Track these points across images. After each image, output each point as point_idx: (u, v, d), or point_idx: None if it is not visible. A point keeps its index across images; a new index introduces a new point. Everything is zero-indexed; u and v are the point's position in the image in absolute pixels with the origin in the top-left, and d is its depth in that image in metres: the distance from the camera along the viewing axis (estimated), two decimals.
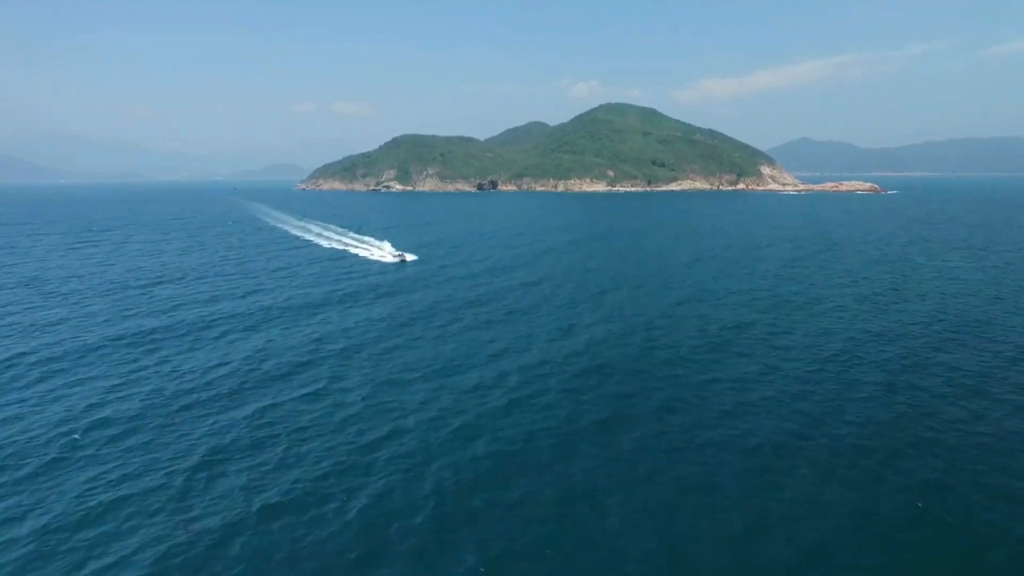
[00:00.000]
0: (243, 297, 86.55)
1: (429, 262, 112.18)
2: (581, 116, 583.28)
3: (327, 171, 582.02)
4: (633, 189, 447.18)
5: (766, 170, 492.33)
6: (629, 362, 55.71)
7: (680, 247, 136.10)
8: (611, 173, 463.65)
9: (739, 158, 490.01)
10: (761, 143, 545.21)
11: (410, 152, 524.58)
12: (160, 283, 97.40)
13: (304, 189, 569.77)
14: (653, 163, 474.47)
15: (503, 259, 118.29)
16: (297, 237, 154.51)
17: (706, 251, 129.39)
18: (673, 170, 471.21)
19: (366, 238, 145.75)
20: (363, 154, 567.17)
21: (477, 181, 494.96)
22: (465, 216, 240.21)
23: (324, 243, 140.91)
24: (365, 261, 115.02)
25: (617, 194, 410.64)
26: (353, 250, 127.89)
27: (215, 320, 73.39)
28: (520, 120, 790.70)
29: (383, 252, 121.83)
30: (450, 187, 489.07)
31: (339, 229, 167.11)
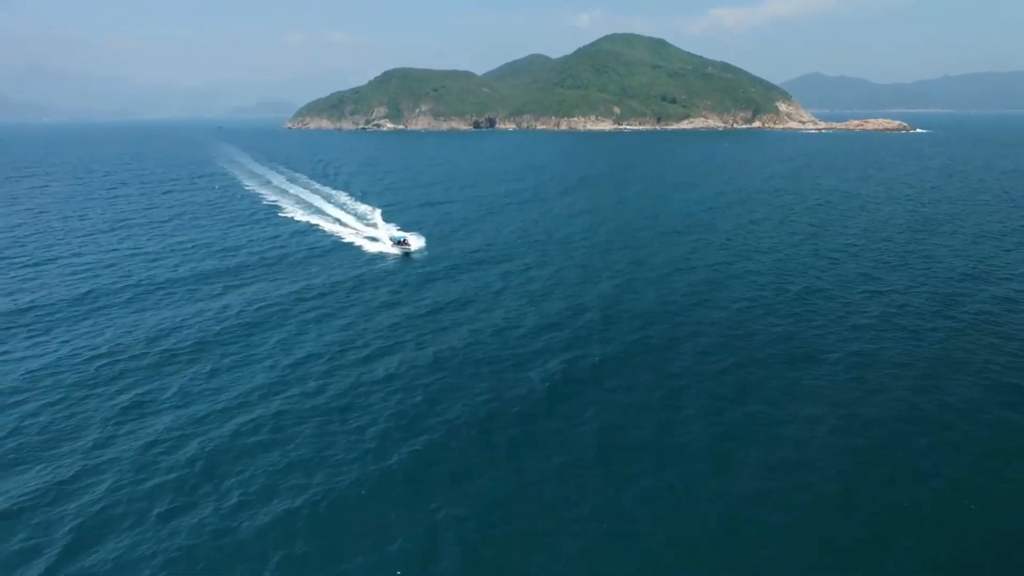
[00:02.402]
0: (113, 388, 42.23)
1: (441, 251, 77.87)
2: (585, 48, 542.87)
3: (314, 108, 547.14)
4: (641, 128, 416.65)
5: (783, 107, 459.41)
6: None
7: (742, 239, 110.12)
8: (618, 110, 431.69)
9: (755, 93, 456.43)
10: (771, 78, 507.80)
11: (402, 87, 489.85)
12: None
13: (290, 128, 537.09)
14: (663, 99, 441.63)
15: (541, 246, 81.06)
16: (268, 208, 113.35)
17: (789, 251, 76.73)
18: (685, 106, 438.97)
19: (357, 206, 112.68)
20: (352, 90, 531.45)
21: (473, 119, 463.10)
22: (466, 168, 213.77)
23: (301, 215, 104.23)
24: (353, 255, 77.42)
25: (624, 134, 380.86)
26: (336, 231, 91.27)
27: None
28: (519, 53, 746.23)
29: (378, 234, 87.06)
30: (444, 125, 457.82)
31: (322, 190, 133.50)
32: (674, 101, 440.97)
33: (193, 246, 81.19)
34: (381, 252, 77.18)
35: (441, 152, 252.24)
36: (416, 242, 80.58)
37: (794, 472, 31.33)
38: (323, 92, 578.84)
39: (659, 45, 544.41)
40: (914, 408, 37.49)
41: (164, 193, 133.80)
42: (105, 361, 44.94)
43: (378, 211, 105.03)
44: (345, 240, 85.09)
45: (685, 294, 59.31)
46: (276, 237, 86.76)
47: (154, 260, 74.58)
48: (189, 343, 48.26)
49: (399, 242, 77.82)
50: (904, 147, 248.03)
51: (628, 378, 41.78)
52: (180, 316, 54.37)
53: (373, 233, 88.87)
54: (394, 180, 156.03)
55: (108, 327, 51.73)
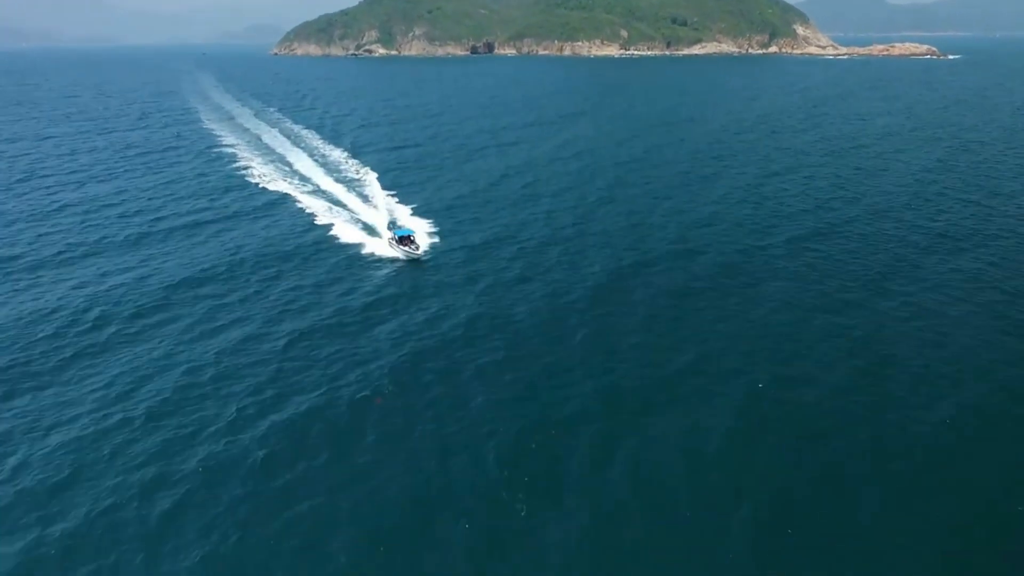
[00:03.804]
0: None
1: (462, 250, 53.71)
2: None
3: (302, 33, 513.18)
4: (650, 53, 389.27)
5: (800, 30, 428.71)
6: None
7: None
8: (625, 33, 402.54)
9: (771, 15, 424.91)
10: None
11: (394, 9, 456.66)
12: None
13: (277, 55, 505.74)
14: (673, 21, 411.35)
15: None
16: (236, 170, 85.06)
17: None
18: (696, 29, 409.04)
19: (345, 172, 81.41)
20: (341, 11, 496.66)
21: (471, 43, 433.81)
22: (475, 113, 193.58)
23: (272, 185, 75.64)
24: (333, 257, 52.24)
25: (632, 59, 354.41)
26: (314, 209, 65.12)
27: None
28: None
29: (376, 218, 61.59)
30: (440, 51, 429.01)
31: (305, 139, 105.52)
32: (685, 23, 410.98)
33: (85, 213, 64.76)
34: (374, 255, 51.39)
35: (439, 85, 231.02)
36: (425, 237, 54.97)
37: None
38: (314, 14, 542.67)
39: None
40: None
41: (101, 133, 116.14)
42: None
43: (373, 175, 79.00)
44: (322, 224, 59.59)
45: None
46: (232, 219, 70.17)
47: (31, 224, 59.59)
48: None
49: (403, 239, 51.59)
50: (942, 75, 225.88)
51: None
52: None
53: (366, 213, 62.99)
54: (391, 130, 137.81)
55: None
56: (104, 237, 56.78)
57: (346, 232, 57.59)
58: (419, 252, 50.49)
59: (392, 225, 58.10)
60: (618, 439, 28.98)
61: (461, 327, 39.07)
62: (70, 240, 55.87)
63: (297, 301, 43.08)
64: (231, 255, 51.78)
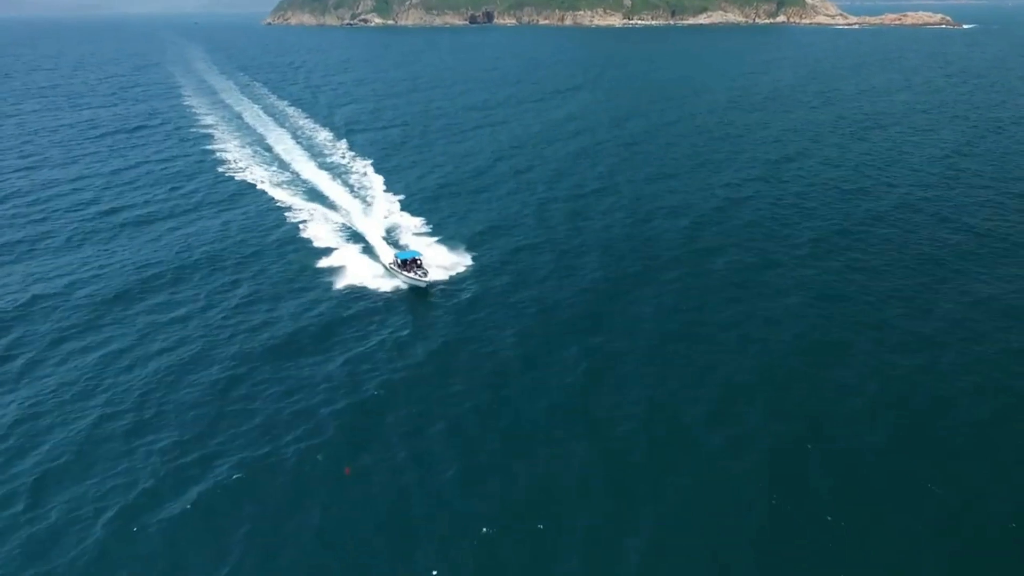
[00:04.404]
0: None
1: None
2: None
3: (296, 1, 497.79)
4: (654, 22, 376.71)
5: None
6: None
7: None
8: (628, 2, 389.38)
9: None
10: None
11: None
12: None
13: (270, 24, 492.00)
14: None
15: None
16: (207, 153, 77.41)
17: None
18: None
19: (330, 156, 73.54)
20: None
21: (469, 12, 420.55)
22: (471, 87, 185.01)
23: (245, 172, 68.18)
24: (309, 270, 44.03)
25: (634, 30, 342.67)
26: (294, 209, 56.21)
27: None
28: None
29: (358, 213, 54.29)
30: (437, 20, 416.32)
31: (290, 118, 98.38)
32: None
33: (29, 205, 58.53)
34: (363, 288, 40.91)
35: (435, 56, 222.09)
36: (437, 263, 43.59)
37: None
38: None
39: None
40: None
41: (70, 110, 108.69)
42: None
43: (360, 160, 70.89)
44: (294, 220, 52.26)
45: None
46: (192, 212, 63.69)
47: None
48: None
49: (407, 263, 41.74)
50: (972, 50, 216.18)
51: None
52: None
53: (347, 206, 55.24)
54: (395, 112, 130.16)
55: None
56: (44, 235, 50.61)
57: (320, 232, 50.32)
58: (426, 280, 40.52)
59: (389, 239, 48.30)
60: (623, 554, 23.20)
61: (440, 364, 33.11)
62: (2, 239, 49.66)
63: (250, 320, 37.03)
64: (183, 258, 45.65)
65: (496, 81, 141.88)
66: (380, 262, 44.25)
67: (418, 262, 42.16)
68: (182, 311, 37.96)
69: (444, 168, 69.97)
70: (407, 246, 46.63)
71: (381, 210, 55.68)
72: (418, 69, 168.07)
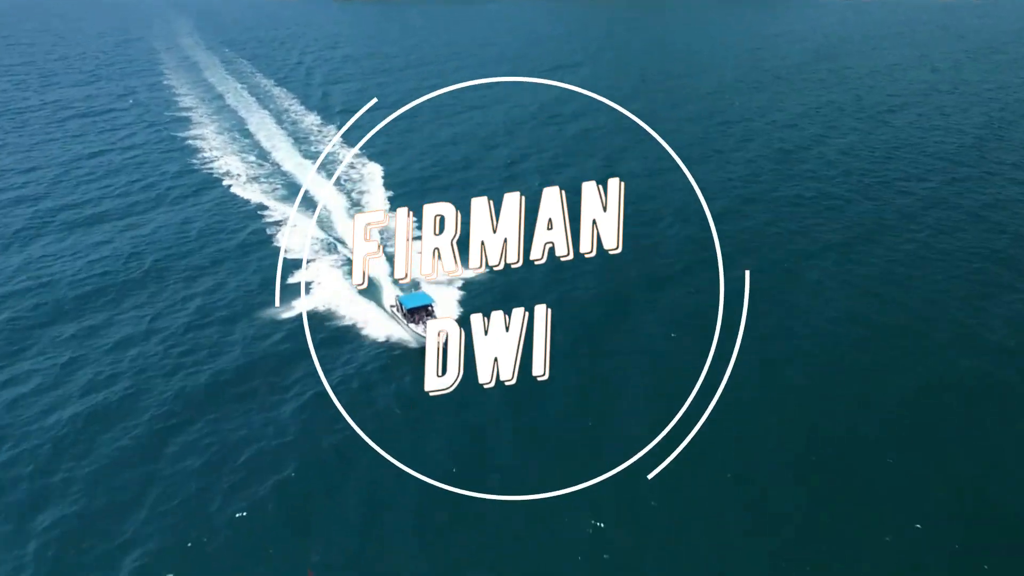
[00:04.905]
0: None
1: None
2: None
3: None
4: None
5: None
6: None
7: None
8: None
9: None
10: None
11: None
12: None
13: None
14: None
15: None
16: (180, 140, 71.99)
17: None
18: None
19: (314, 143, 67.96)
20: None
21: None
22: (466, 62, 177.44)
23: (218, 161, 62.66)
24: (271, 280, 38.18)
25: (617, 3, 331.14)
26: (269, 207, 50.88)
27: None
28: None
29: (340, 212, 48.76)
30: None
31: (275, 98, 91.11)
32: None
33: None
34: (336, 311, 35.12)
35: (429, 31, 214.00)
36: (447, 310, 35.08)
37: None
38: None
39: None
40: None
41: (40, 89, 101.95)
42: None
43: (347, 149, 63.99)
44: (270, 219, 47.02)
45: None
46: (152, 208, 57.43)
47: None
48: None
49: (414, 311, 32.93)
50: (984, 21, 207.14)
51: None
52: None
53: (327, 202, 48.65)
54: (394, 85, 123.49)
55: None
56: None
57: (293, 238, 43.24)
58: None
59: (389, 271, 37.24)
60: None
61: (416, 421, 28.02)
62: None
63: (197, 351, 31.84)
64: (131, 265, 40.35)
65: (493, 57, 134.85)
66: (354, 283, 35.95)
67: (429, 310, 32.68)
68: (120, 335, 32.81)
69: (429, 152, 64.25)
70: (417, 288, 35.04)
71: (368, 206, 50.10)
72: (412, 43, 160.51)
